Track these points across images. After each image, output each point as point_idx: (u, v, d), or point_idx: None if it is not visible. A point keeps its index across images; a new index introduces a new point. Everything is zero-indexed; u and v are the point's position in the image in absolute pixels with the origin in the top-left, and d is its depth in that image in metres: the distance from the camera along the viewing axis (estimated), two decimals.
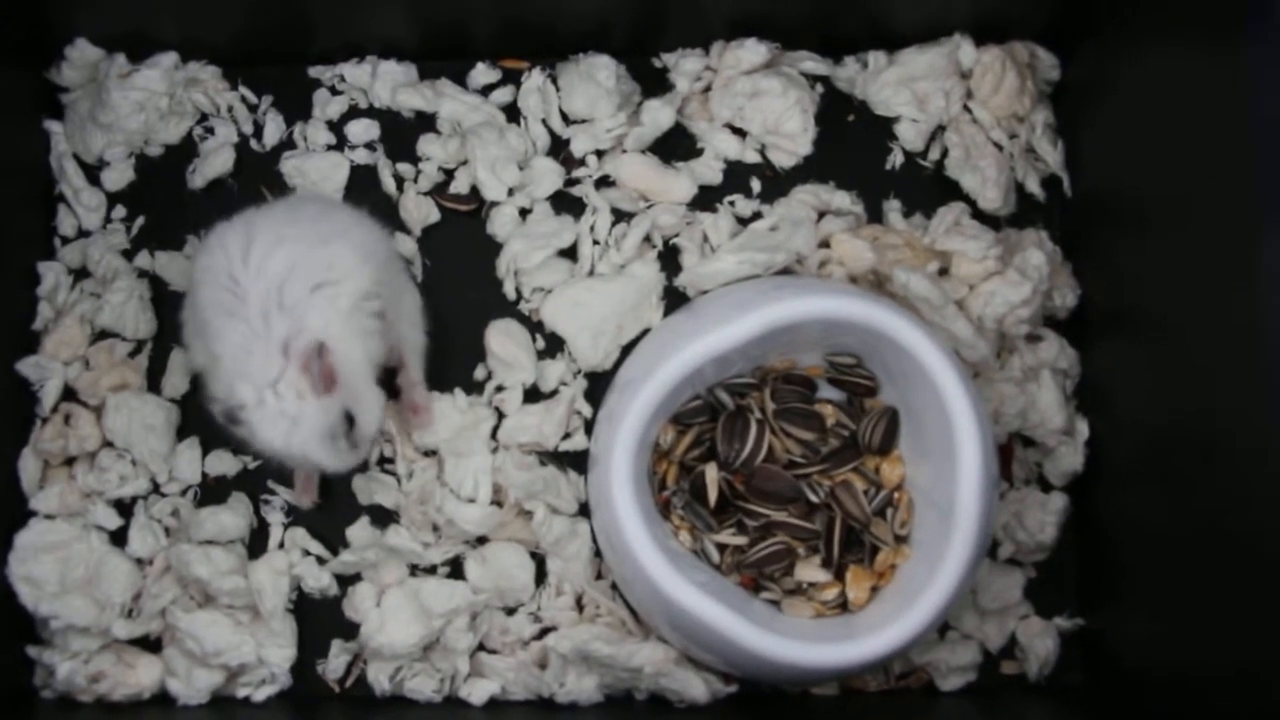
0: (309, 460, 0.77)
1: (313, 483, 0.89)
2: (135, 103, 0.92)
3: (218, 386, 0.78)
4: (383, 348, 0.83)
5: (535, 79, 0.93)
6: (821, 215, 0.91)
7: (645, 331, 0.90)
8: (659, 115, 0.91)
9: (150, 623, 0.88)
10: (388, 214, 0.90)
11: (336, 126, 0.94)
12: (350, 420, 0.78)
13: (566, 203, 0.92)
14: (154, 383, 0.91)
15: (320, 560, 0.89)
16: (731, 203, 0.92)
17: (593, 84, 0.92)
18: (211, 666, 0.87)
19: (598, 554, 0.88)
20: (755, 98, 0.91)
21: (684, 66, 0.93)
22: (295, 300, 0.77)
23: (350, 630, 0.88)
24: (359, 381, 0.79)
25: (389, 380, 0.87)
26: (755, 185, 0.93)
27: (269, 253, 0.77)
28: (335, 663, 0.89)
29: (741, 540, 0.85)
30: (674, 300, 0.90)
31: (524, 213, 0.92)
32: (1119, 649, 0.86)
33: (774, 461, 0.85)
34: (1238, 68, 0.72)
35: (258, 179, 0.93)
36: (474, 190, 0.92)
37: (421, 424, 0.88)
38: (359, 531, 0.89)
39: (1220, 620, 0.74)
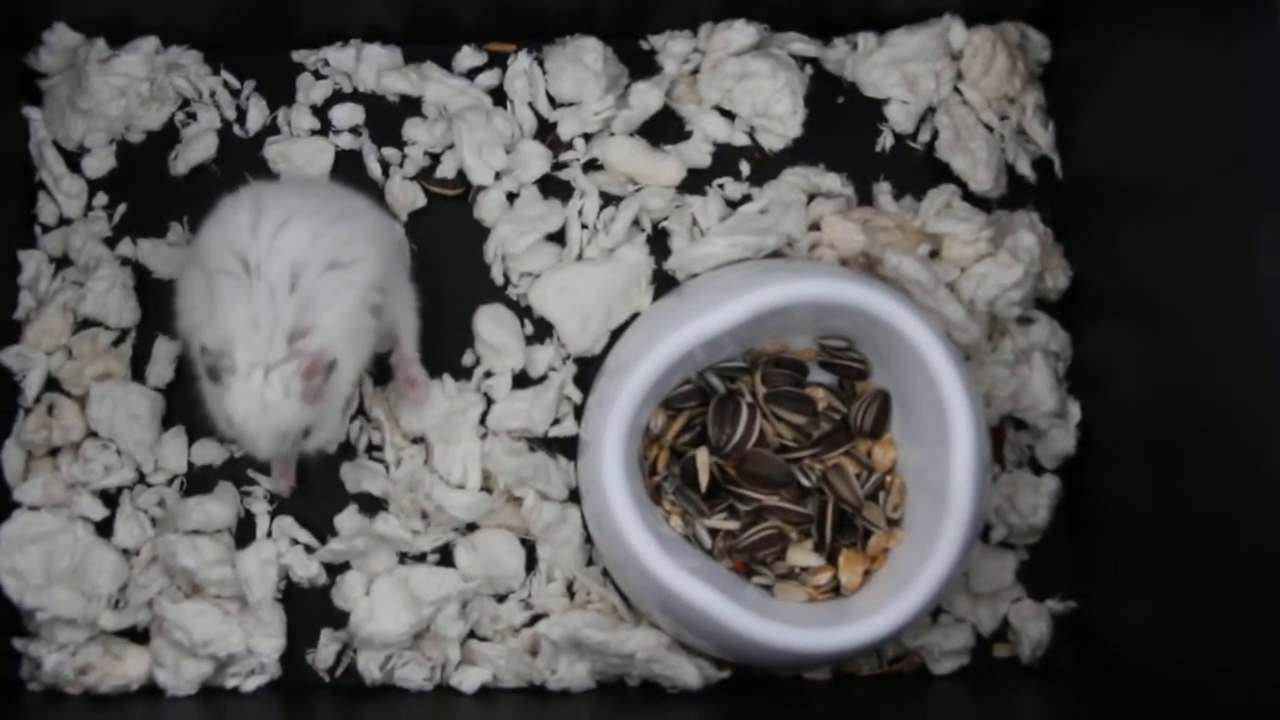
0: (244, 439, 0.77)
1: (290, 468, 0.88)
2: (115, 88, 0.91)
3: (213, 334, 0.77)
4: (374, 346, 0.83)
5: (522, 62, 0.92)
6: (811, 198, 0.90)
7: (635, 316, 0.89)
8: (647, 98, 0.91)
9: (138, 614, 0.87)
10: (373, 200, 0.89)
11: (320, 111, 0.93)
12: (305, 432, 0.78)
13: (554, 186, 0.91)
14: (138, 372, 0.90)
15: (308, 549, 0.88)
16: (721, 185, 0.91)
17: (580, 67, 0.91)
18: (200, 657, 0.86)
19: (588, 540, 0.88)
20: (744, 80, 0.91)
21: (672, 48, 0.92)
22: (309, 281, 0.76)
23: (340, 619, 0.88)
24: (337, 400, 0.80)
25: (381, 363, 0.87)
26: (744, 168, 0.92)
27: (280, 228, 0.77)
28: (325, 652, 0.88)
29: (733, 525, 0.85)
30: (663, 284, 0.90)
31: (511, 197, 0.91)
32: (1111, 631, 0.86)
33: (765, 446, 0.85)
34: (1232, 49, 0.71)
35: (241, 165, 0.92)
36: (460, 175, 0.91)
37: (418, 399, 0.87)
38: (347, 520, 0.88)
39: (1212, 603, 0.74)
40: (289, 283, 0.76)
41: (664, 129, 0.92)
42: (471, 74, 0.93)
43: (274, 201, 0.78)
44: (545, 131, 0.92)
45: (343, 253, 0.78)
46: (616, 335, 0.89)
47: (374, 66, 0.93)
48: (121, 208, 0.92)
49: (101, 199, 0.92)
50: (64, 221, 0.92)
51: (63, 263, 0.92)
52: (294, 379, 0.75)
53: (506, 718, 0.86)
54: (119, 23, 0.92)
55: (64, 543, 0.87)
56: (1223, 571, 0.73)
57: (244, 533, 0.89)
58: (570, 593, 0.88)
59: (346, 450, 0.89)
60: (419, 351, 0.87)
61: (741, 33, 0.91)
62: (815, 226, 0.89)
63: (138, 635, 0.88)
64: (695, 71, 0.92)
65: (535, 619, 0.88)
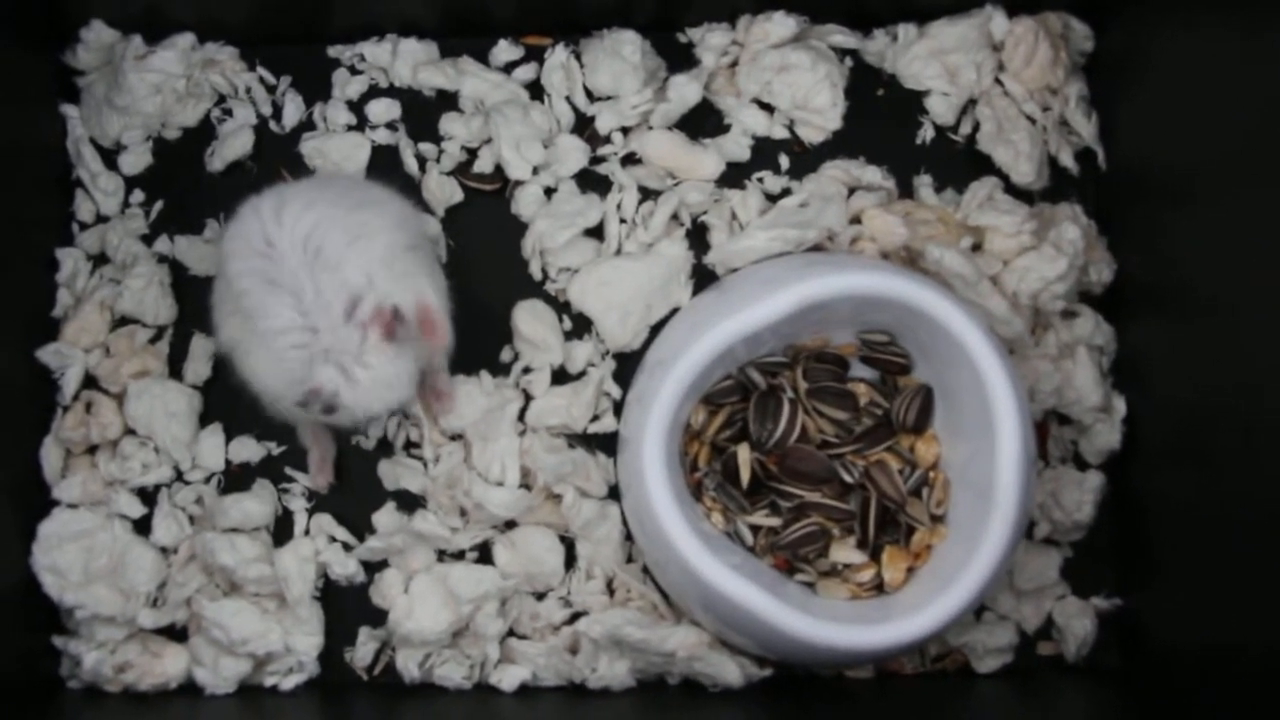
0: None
1: (328, 464, 0.88)
2: (152, 85, 0.91)
3: (262, 363, 0.77)
4: (425, 288, 0.82)
5: (559, 55, 0.92)
6: (852, 191, 0.90)
7: (674, 311, 0.89)
8: (685, 91, 0.90)
9: (176, 612, 0.87)
10: (410, 195, 0.89)
11: (357, 106, 0.93)
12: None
13: (592, 181, 0.91)
14: (175, 369, 0.90)
15: (346, 547, 0.88)
16: (760, 179, 0.91)
17: (617, 60, 0.90)
18: (238, 655, 0.86)
19: (628, 537, 0.87)
20: (783, 72, 0.90)
21: (710, 41, 0.91)
22: (334, 254, 0.76)
23: (378, 617, 0.87)
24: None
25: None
26: (784, 161, 0.91)
27: (302, 213, 0.77)
28: (363, 650, 0.88)
29: (775, 522, 0.84)
30: (703, 279, 0.89)
31: (549, 191, 0.91)
32: (1158, 629, 0.85)
33: (807, 441, 0.84)
34: (1278, 37, 0.70)
35: (277, 161, 0.92)
36: (498, 169, 0.91)
37: (444, 410, 0.87)
38: (385, 517, 0.88)
39: (1260, 601, 0.73)
40: (316, 259, 0.76)
41: (702, 122, 0.91)
42: (508, 68, 0.93)
43: (295, 194, 0.79)
44: (583, 125, 0.92)
45: (364, 230, 0.78)
46: (656, 330, 0.88)
47: (410, 61, 0.92)
48: (158, 205, 0.92)
49: (138, 196, 0.92)
50: (101, 219, 0.92)
51: (100, 260, 0.92)
52: (382, 346, 0.75)
53: (546, 716, 0.85)
54: (155, 19, 0.92)
55: (102, 541, 0.87)
56: (1270, 568, 0.72)
57: (282, 530, 0.89)
58: (610, 590, 0.87)
59: (384, 447, 0.89)
60: (448, 359, 0.86)
61: (780, 24, 0.90)
62: (856, 220, 0.89)
63: (176, 633, 0.88)
64: (734, 64, 0.92)
65: (575, 617, 0.87)
